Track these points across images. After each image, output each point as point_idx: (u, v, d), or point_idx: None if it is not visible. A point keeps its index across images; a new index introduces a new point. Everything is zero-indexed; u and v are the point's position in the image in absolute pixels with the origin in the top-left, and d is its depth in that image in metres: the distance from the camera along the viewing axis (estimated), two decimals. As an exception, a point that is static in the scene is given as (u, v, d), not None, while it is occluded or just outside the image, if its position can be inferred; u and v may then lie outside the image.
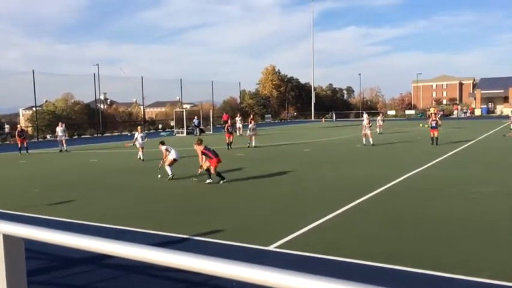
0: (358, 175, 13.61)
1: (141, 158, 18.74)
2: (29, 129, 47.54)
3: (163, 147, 14.45)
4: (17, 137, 25.36)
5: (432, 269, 5.65)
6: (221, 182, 12.41)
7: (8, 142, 37.00)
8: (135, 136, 19.45)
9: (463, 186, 11.36)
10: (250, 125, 24.78)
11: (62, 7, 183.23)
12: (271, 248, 6.76)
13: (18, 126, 26.51)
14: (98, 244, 1.55)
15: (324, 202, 9.80)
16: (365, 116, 24.60)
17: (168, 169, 13.76)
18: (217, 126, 51.27)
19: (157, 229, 7.99)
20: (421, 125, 21.61)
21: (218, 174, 12.52)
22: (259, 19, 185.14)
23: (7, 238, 1.70)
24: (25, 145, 24.83)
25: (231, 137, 24.37)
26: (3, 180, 14.99)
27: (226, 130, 24.75)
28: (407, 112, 73.64)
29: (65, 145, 25.59)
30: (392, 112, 74.78)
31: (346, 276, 5.57)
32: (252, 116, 31.04)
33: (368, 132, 22.98)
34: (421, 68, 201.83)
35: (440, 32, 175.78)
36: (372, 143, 22.40)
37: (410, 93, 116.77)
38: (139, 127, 20.78)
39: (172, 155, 13.95)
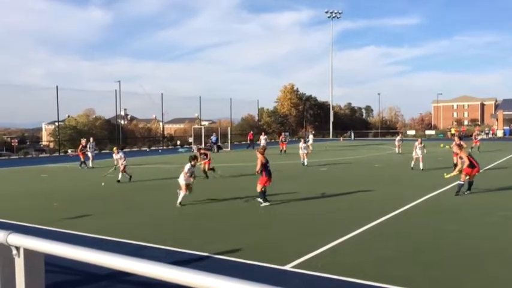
0: (376, 196, 13.43)
1: (119, 179, 17.10)
2: (51, 143, 48.53)
3: (118, 155, 16.26)
4: (79, 151, 25.58)
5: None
6: (263, 204, 11.65)
7: (30, 156, 37.74)
8: (114, 157, 18.31)
9: (484, 209, 11.09)
10: (301, 143, 24.26)
11: (86, 25, 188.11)
12: (288, 267, 6.69)
13: (83, 141, 26.36)
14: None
15: (341, 223, 9.69)
16: (417, 142, 20.78)
17: (121, 175, 16.17)
18: (235, 143, 51.42)
19: (175, 246, 7.99)
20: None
21: (263, 194, 11.88)
22: (278, 38, 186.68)
23: (28, 252, 1.73)
24: (82, 159, 24.90)
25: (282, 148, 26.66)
26: (25, 194, 15.25)
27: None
28: (428, 132, 72.77)
29: (91, 161, 25.26)
30: (412, 132, 73.96)
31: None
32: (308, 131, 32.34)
33: (420, 155, 20.28)
34: (441, 88, 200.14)
35: (461, 52, 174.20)
36: (421, 167, 19.80)
37: (430, 113, 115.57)
38: (114, 148, 19.25)
39: (123, 162, 16.22)
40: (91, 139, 26.66)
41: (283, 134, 31.14)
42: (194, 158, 12.78)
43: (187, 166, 12.17)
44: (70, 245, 1.69)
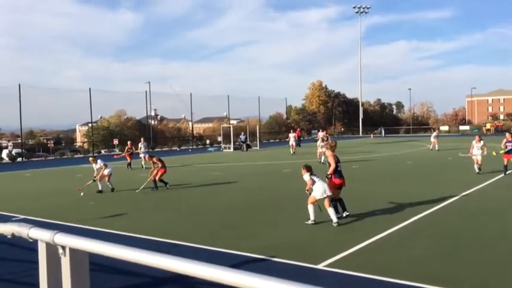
0: (410, 193, 13.18)
1: (100, 189, 14.99)
2: (85, 144, 49.88)
3: (98, 165, 15.02)
4: (126, 153, 24.95)
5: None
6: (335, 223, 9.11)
7: (65, 156, 38.85)
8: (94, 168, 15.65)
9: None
10: (319, 142, 23.99)
11: (117, 28, 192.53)
12: (320, 266, 6.64)
13: (128, 142, 25.66)
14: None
15: (374, 221, 9.54)
16: (475, 140, 17.58)
17: (100, 184, 14.84)
18: (264, 141, 51.47)
19: (206, 244, 8.06)
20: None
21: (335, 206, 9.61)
22: (306, 35, 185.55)
23: (73, 251, 1.78)
24: (129, 160, 24.42)
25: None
26: (61, 193, 15.71)
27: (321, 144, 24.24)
28: (462, 128, 70.88)
29: (143, 161, 24.22)
30: (445, 128, 72.20)
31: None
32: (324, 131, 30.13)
33: (479, 157, 17.12)
34: (475, 82, 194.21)
35: (495, 45, 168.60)
36: (476, 170, 16.90)
37: (464, 108, 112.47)
38: (91, 158, 16.54)
39: (107, 171, 14.91)
40: (142, 139, 26.33)
41: (323, 132, 27.44)
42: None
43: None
44: (114, 244, 1.73)
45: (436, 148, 30.12)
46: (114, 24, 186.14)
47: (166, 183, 15.30)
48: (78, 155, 41.50)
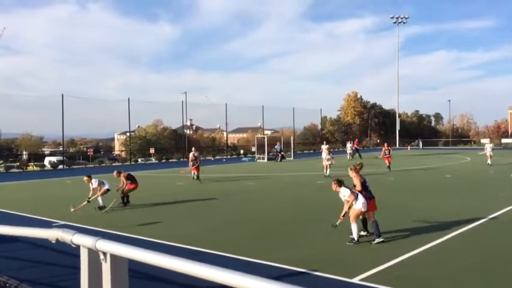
0: (450, 207, 12.76)
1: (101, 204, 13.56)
2: (123, 153, 51.23)
3: (94, 184, 13.53)
4: (191, 166, 21.85)
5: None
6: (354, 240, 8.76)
7: (104, 164, 39.96)
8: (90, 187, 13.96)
9: None
10: (326, 155, 23.62)
11: (156, 40, 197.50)
12: (356, 280, 6.51)
13: (192, 153, 22.24)
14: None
15: (412, 235, 9.28)
16: None
17: (100, 200, 13.31)
18: (298, 152, 51.21)
19: (241, 254, 8.06)
20: None
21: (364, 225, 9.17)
22: (342, 46, 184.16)
23: (114, 258, 1.82)
24: (197, 174, 21.61)
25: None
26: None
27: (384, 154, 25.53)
28: (504, 141, 68.15)
29: (195, 172, 21.71)
30: (486, 140, 69.68)
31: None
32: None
33: None
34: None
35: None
36: None
37: (506, 120, 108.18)
38: (85, 177, 14.12)
39: (106, 186, 13.59)
40: (193, 149, 23.55)
41: (385, 144, 26.02)
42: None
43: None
44: (153, 252, 1.75)
45: (489, 162, 27.33)
46: (153, 36, 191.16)
47: (126, 203, 14.08)
48: (116, 163, 42.59)
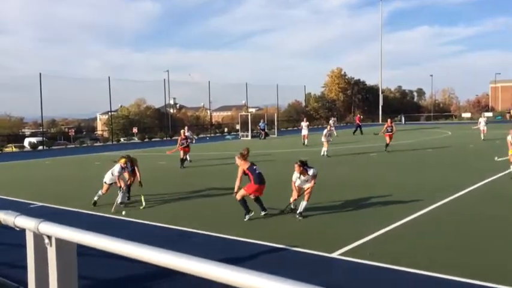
0: (429, 181, 12.89)
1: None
2: (105, 133, 50.57)
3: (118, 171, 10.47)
4: (178, 145, 18.94)
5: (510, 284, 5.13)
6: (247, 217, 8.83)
7: (85, 145, 39.42)
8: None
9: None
10: (326, 130, 21.22)
11: (137, 18, 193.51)
12: (335, 255, 6.53)
13: (182, 131, 19.60)
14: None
15: (391, 209, 9.34)
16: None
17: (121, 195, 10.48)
18: (282, 129, 51.19)
19: (219, 232, 8.02)
20: None
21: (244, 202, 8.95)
22: (326, 22, 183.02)
23: (60, 242, 1.70)
24: (187, 157, 18.83)
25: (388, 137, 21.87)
26: (79, 181, 15.89)
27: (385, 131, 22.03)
28: (486, 114, 69.14)
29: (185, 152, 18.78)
30: (467, 115, 70.62)
31: (415, 287, 5.22)
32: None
33: None
34: (499, 67, 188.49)
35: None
36: None
37: (487, 95, 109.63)
38: (122, 159, 10.80)
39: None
40: (186, 127, 21.04)
41: (389, 120, 22.81)
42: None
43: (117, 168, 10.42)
44: (103, 236, 1.63)
45: (482, 138, 26.59)
46: (135, 13, 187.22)
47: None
48: (98, 144, 42.03)
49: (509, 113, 65.47)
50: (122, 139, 46.66)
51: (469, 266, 5.92)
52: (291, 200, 9.22)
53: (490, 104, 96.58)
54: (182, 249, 6.62)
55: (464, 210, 9.22)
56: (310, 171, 8.88)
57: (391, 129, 22.16)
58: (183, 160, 18.45)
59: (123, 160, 10.59)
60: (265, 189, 9.04)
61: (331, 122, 40.19)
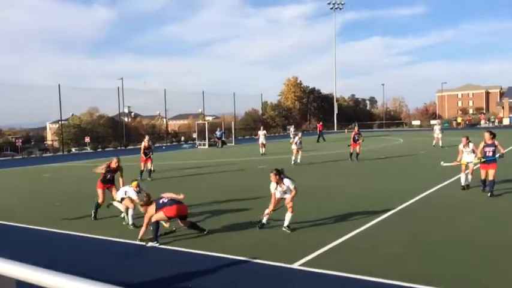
0: (383, 188, 13.17)
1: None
2: (55, 142, 48.54)
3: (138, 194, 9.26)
4: (142, 154, 17.63)
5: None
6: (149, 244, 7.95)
7: (33, 155, 37.65)
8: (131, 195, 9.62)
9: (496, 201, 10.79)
10: (297, 138, 20.92)
11: (90, 24, 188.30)
12: (296, 266, 6.46)
13: (145, 140, 18.28)
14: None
15: (346, 218, 9.41)
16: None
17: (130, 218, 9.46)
18: (239, 138, 51.15)
19: (179, 246, 7.78)
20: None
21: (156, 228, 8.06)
22: (282, 32, 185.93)
23: (-3, 277, 1.49)
24: (150, 167, 17.61)
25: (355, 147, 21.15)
26: (26, 194, 15.08)
27: (352, 140, 21.34)
28: (433, 122, 72.07)
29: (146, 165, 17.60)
30: (417, 122, 73.44)
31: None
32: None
33: (470, 164, 12.41)
34: (446, 77, 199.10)
35: (466, 41, 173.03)
36: (464, 182, 12.48)
37: (434, 103, 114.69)
38: (134, 183, 9.57)
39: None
40: (146, 137, 19.30)
41: (356, 128, 22.18)
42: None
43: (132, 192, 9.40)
44: (46, 270, 1.44)
45: (440, 144, 26.76)
46: (87, 20, 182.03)
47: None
48: (48, 154, 40.30)
49: (456, 120, 68.60)
50: (73, 149, 44.98)
51: (425, 273, 6.01)
52: (266, 212, 8.64)
53: (437, 112, 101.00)
54: (140, 264, 6.30)
55: (418, 218, 9.43)
56: (286, 182, 8.41)
57: (358, 137, 21.33)
58: (142, 172, 17.30)
59: (135, 184, 9.52)
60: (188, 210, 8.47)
61: (291, 129, 40.62)
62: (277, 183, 8.39)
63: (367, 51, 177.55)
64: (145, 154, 17.46)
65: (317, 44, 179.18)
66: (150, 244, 7.92)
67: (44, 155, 39.37)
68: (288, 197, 8.48)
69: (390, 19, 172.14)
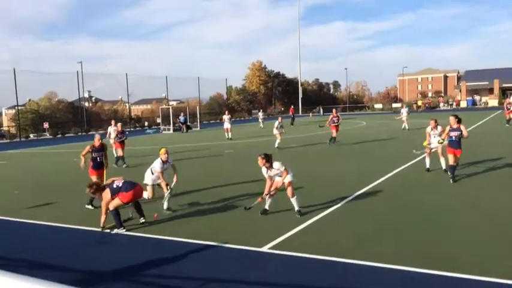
0: (348, 170, 13.37)
1: None
2: (12, 128, 46.56)
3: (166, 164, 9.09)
4: (114, 139, 17.51)
5: (439, 269, 5.38)
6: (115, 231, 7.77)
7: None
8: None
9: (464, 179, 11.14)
10: (277, 122, 20.79)
11: (45, 5, 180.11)
12: (265, 249, 6.45)
13: (119, 124, 18.13)
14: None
15: (313, 200, 9.49)
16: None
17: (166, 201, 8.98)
18: (204, 122, 50.73)
19: (146, 232, 7.62)
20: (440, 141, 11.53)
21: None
22: (246, 15, 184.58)
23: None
24: (122, 154, 17.02)
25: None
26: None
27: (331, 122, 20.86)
28: (394, 105, 73.86)
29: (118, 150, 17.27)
30: (379, 106, 74.99)
31: (345, 277, 5.29)
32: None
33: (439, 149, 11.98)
34: (407, 61, 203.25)
35: (426, 25, 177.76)
36: (427, 165, 12.41)
37: (396, 87, 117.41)
38: (163, 150, 9.25)
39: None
40: (114, 122, 19.32)
41: (334, 111, 21.62)
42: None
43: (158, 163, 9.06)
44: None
45: (407, 127, 27.53)
46: (42, 2, 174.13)
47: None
48: (4, 140, 38.66)
49: (416, 103, 70.50)
50: (31, 135, 43.39)
51: (392, 253, 6.14)
52: (263, 195, 8.37)
53: (398, 96, 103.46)
54: (108, 252, 6.10)
55: (385, 197, 9.60)
56: (276, 165, 8.21)
57: (338, 120, 21.01)
58: (121, 157, 16.90)
59: (163, 151, 8.91)
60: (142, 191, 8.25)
61: (260, 114, 40.59)
62: (267, 168, 8.22)
63: (331, 35, 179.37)
64: (120, 138, 17.11)
65: (281, 27, 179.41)
66: (115, 231, 7.72)
67: (0, 141, 37.74)
68: (282, 181, 8.26)
69: (352, 3, 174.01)
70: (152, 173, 9.11)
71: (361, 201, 9.31)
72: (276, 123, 20.79)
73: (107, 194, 7.78)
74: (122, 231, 7.70)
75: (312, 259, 5.96)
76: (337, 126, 21.07)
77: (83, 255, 6.71)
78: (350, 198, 9.49)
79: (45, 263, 6.39)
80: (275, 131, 20.66)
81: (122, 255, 6.60)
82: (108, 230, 7.79)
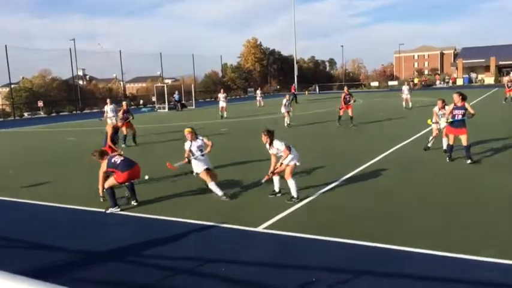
0: (347, 148, 13.36)
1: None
2: (6, 107, 46.13)
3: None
4: (122, 120, 15.59)
5: (432, 248, 5.42)
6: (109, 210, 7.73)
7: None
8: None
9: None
10: (285, 100, 20.69)
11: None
12: (260, 229, 6.48)
13: (124, 103, 17.74)
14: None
15: (310, 179, 9.51)
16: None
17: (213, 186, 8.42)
18: (200, 100, 50.41)
19: (145, 212, 7.63)
20: (430, 122, 11.91)
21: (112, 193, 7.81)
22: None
23: None
24: (132, 132, 16.68)
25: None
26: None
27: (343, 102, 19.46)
28: (390, 83, 73.66)
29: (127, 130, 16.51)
30: (375, 83, 74.75)
31: (342, 256, 5.32)
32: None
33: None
34: (403, 38, 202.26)
35: (423, 1, 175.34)
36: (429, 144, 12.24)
37: (392, 64, 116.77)
38: (188, 129, 8.76)
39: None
40: (108, 101, 19.67)
41: (345, 88, 20.94)
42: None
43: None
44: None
45: (410, 106, 26.79)
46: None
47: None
48: (-2, 119, 38.36)
49: (413, 81, 70.27)
50: (25, 114, 43.06)
51: (388, 232, 6.17)
52: (269, 172, 8.05)
53: (394, 73, 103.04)
54: (105, 232, 6.06)
55: (382, 175, 9.61)
56: (276, 144, 7.94)
57: (349, 99, 19.32)
58: (129, 137, 16.40)
59: (187, 130, 8.52)
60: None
61: (258, 92, 40.26)
62: (269, 144, 8.03)
63: (326, 12, 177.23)
64: (126, 119, 16.38)
65: (277, 4, 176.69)
66: (110, 210, 7.71)
67: (-6, 120, 37.47)
68: (283, 162, 7.93)
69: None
70: (195, 159, 8.45)
71: (358, 179, 9.28)
72: (284, 101, 20.63)
73: (104, 164, 7.95)
74: (116, 210, 7.70)
75: (306, 239, 5.98)
76: (348, 106, 19.38)
77: (79, 235, 6.72)
78: (347, 176, 9.46)
79: (41, 243, 6.40)
80: (283, 109, 20.49)
81: (118, 235, 6.61)
82: (102, 200, 7.98)
